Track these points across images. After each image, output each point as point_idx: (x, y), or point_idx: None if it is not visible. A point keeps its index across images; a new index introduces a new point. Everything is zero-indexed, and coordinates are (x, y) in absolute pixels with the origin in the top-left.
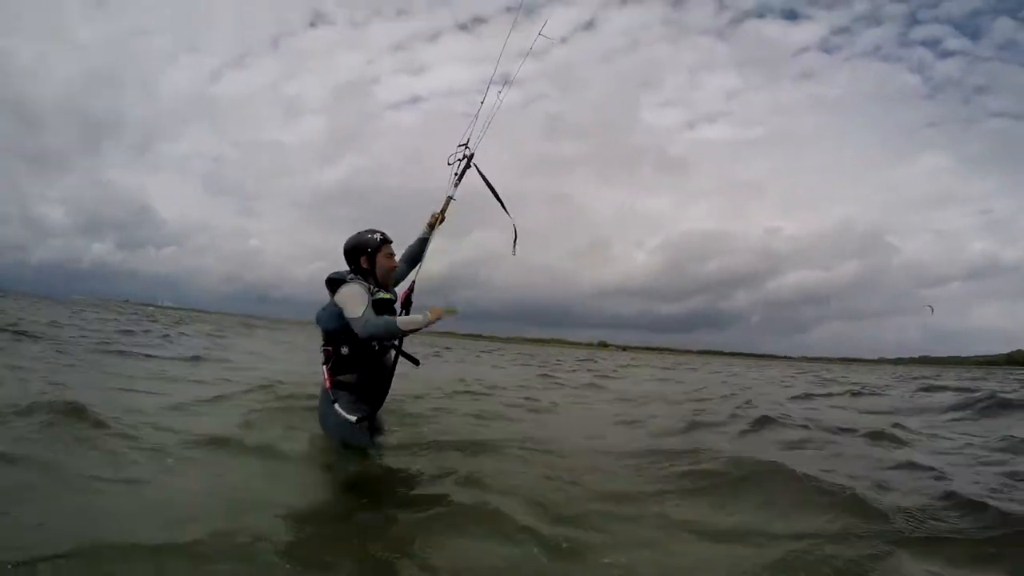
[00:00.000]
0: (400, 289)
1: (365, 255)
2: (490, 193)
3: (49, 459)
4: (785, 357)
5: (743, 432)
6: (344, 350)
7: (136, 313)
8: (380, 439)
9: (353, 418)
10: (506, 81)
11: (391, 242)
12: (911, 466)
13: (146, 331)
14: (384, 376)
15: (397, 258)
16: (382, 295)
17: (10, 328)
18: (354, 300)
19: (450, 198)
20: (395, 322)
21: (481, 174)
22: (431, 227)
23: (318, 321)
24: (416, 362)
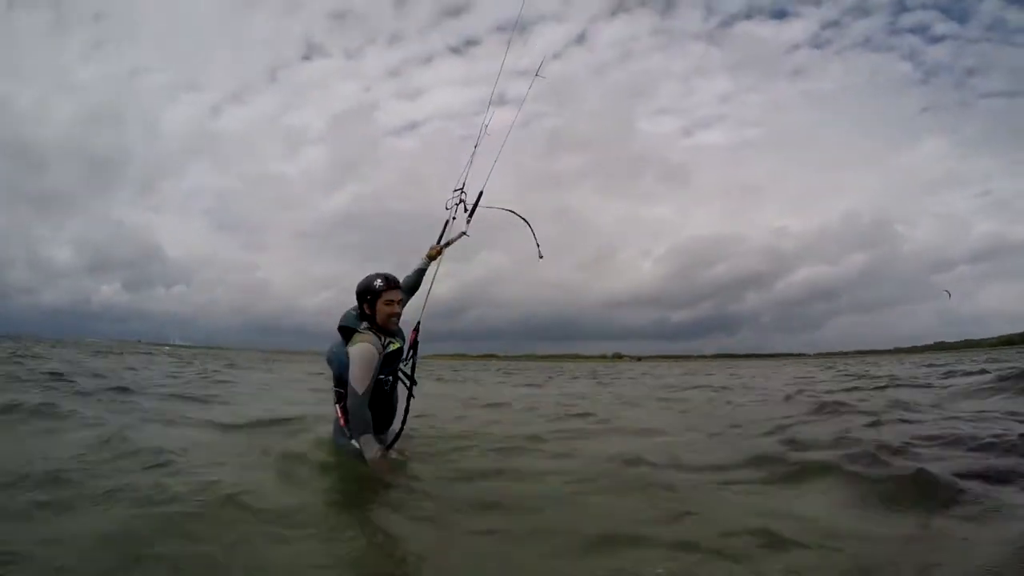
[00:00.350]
0: (408, 330)
1: (366, 302)
2: (502, 213)
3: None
4: (799, 355)
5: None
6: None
7: (171, 355)
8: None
9: (358, 447)
10: (499, 108)
11: (396, 287)
12: None
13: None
14: (392, 411)
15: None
16: (392, 346)
17: (107, 382)
18: (362, 372)
19: (463, 234)
20: (366, 439)
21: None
22: (430, 259)
23: (330, 362)
24: (414, 382)
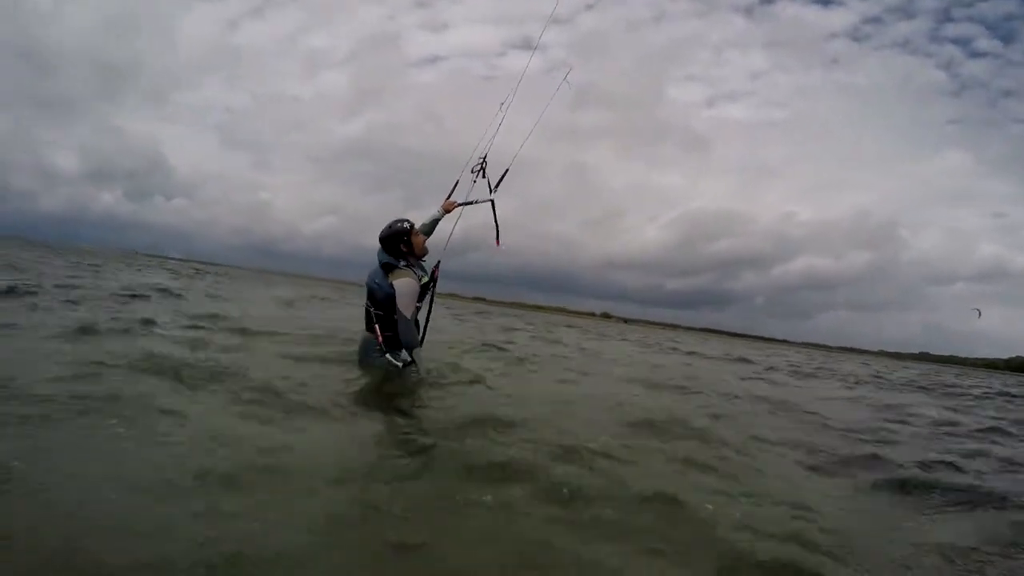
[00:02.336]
0: (430, 265)
1: (403, 241)
2: (516, 162)
3: None
4: (784, 341)
5: None
6: (395, 317)
7: (174, 268)
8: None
9: (400, 364)
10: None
11: (415, 226)
12: None
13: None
14: (417, 327)
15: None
16: (424, 280)
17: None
18: (409, 300)
19: (491, 201)
20: (416, 352)
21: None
22: (446, 211)
23: (372, 291)
24: (429, 309)
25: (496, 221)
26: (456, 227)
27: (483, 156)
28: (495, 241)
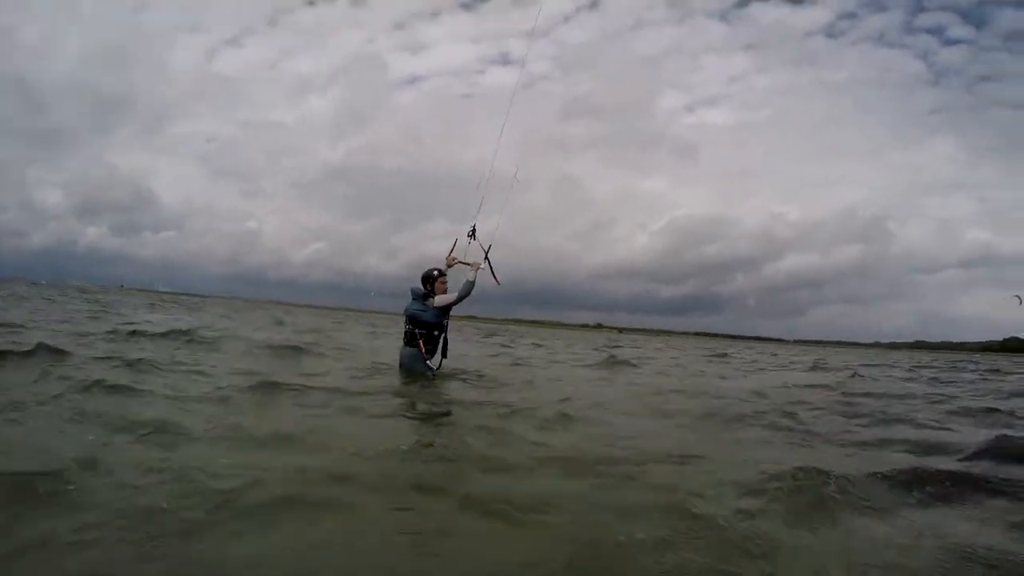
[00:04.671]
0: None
1: (431, 282)
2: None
3: None
4: (779, 340)
5: None
6: (435, 333)
7: (176, 303)
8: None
9: (434, 368)
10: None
11: (445, 274)
12: None
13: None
14: (445, 345)
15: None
16: (449, 302)
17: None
18: (448, 297)
19: (484, 262)
20: (470, 285)
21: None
22: (449, 266)
23: (417, 316)
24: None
25: (492, 270)
26: (445, 248)
27: (473, 225)
28: (494, 281)
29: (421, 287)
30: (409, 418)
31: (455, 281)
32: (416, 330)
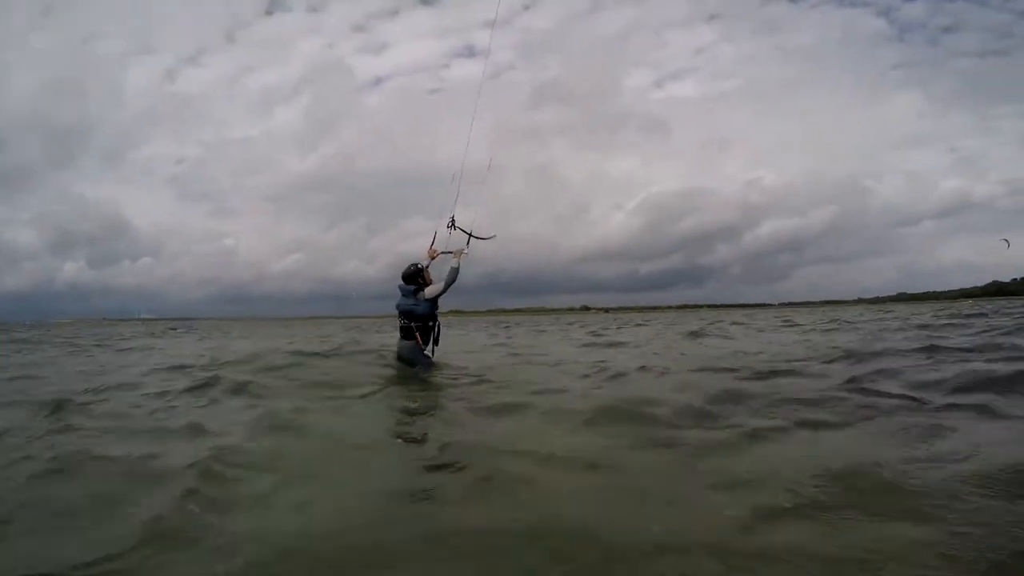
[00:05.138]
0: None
1: (420, 276)
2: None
3: None
4: (765, 305)
5: None
6: (430, 324)
7: (175, 330)
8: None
9: (432, 357)
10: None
11: (427, 267)
12: None
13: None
14: (437, 337)
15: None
16: (437, 293)
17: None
18: (436, 287)
19: (463, 252)
20: (455, 272)
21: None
22: (431, 258)
23: (412, 310)
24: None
25: (480, 237)
26: (422, 247)
27: (452, 215)
28: (481, 238)
29: (404, 284)
30: None
31: (439, 273)
32: (412, 324)
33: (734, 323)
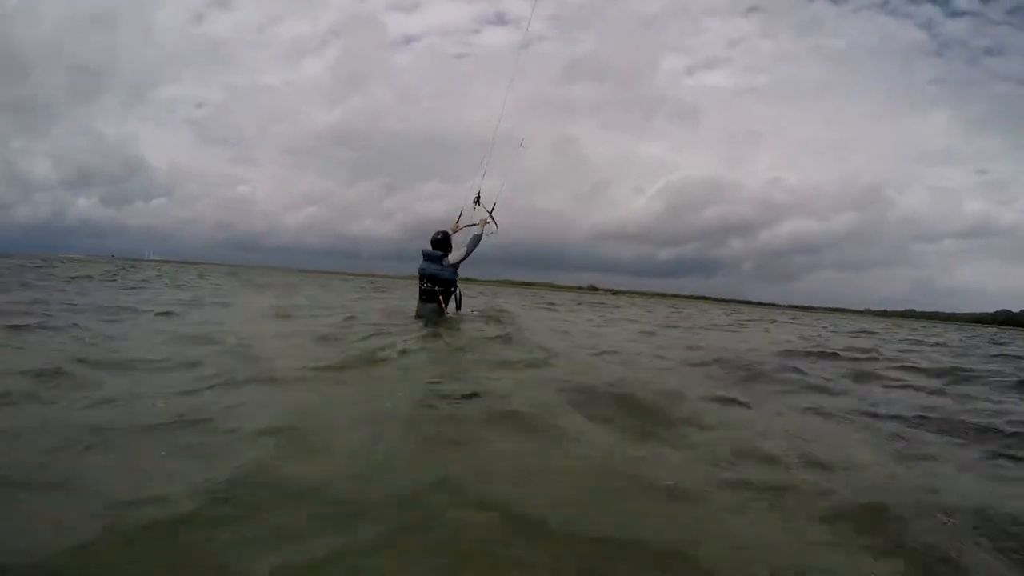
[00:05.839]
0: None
1: (448, 240)
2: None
3: None
4: (773, 305)
5: None
6: (452, 289)
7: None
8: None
9: (455, 311)
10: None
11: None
12: None
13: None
14: (459, 302)
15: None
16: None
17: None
18: (458, 252)
19: (484, 224)
20: (477, 239)
21: (487, 210)
22: (454, 231)
23: (437, 275)
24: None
25: (493, 219)
26: (441, 209)
27: (478, 192)
28: (494, 226)
29: (431, 249)
30: None
31: (458, 244)
32: (435, 288)
33: (773, 321)
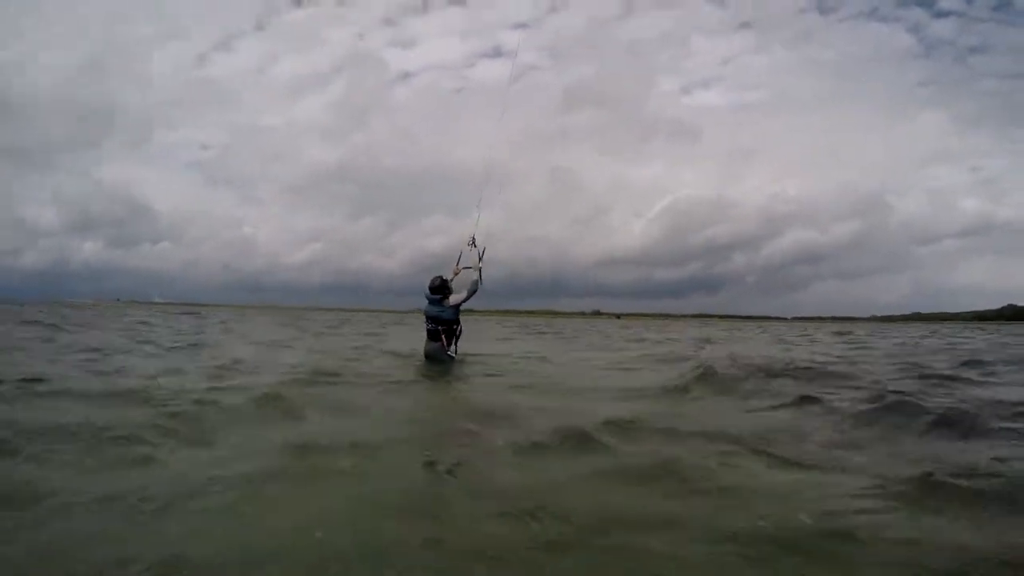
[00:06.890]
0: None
1: (446, 286)
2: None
3: None
4: (778, 318)
5: None
6: (454, 327)
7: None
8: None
9: (455, 356)
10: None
11: (451, 279)
12: None
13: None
14: (459, 338)
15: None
16: (460, 300)
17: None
18: (459, 295)
19: (479, 269)
20: (476, 284)
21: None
22: (454, 274)
23: (439, 316)
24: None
25: (480, 274)
26: (440, 245)
27: (472, 236)
28: (480, 281)
29: (432, 294)
30: None
31: (460, 284)
32: (439, 327)
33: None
